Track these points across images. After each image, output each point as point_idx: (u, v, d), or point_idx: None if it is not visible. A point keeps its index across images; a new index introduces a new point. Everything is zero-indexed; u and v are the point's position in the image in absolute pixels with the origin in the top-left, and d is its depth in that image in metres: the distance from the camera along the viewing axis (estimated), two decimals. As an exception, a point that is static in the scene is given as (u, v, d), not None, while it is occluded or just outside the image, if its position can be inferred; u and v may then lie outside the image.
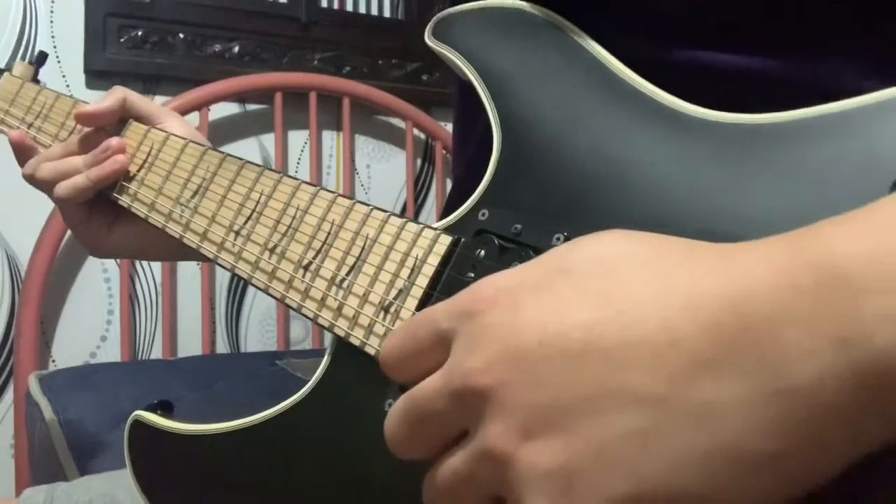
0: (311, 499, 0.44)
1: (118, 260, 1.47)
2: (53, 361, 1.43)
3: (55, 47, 1.44)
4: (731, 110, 0.36)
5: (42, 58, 0.76)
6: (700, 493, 0.25)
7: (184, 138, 0.59)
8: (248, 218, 0.51)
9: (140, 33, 1.49)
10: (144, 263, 1.51)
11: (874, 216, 0.25)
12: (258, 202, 0.51)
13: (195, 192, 0.55)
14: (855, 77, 0.37)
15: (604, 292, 0.28)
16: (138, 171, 0.61)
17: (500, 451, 0.28)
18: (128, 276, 1.48)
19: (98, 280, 1.47)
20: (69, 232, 1.40)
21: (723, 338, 0.25)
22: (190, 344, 1.53)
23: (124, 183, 0.61)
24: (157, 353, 1.51)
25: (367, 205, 0.46)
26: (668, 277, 0.27)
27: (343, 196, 0.48)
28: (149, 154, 0.60)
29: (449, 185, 1.82)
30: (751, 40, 0.39)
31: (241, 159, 0.54)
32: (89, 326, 1.47)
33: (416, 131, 1.75)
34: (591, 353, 0.27)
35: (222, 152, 0.56)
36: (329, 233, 0.47)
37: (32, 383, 1.25)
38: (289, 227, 0.49)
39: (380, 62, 1.75)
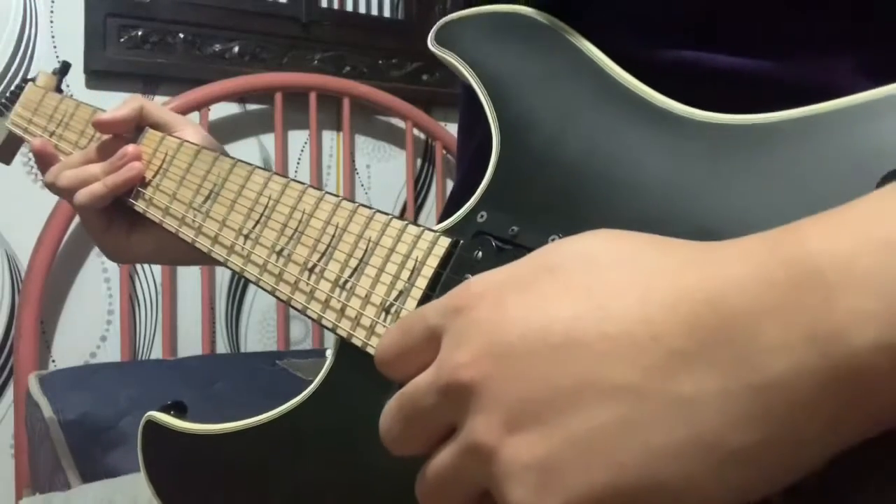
0: (321, 497, 0.44)
1: (118, 260, 1.47)
2: (53, 361, 1.43)
3: (55, 47, 1.44)
4: (724, 111, 0.37)
5: (65, 68, 0.78)
6: (677, 485, 0.25)
7: (197, 145, 0.61)
8: (257, 222, 0.53)
9: (140, 33, 1.49)
10: (144, 263, 1.51)
11: (852, 214, 0.25)
12: (266, 206, 0.53)
13: (207, 197, 0.57)
14: (847, 77, 0.37)
15: (586, 288, 0.29)
16: (154, 176, 0.62)
17: (484, 444, 0.29)
18: (128, 276, 1.48)
19: (98, 280, 1.47)
20: (69, 232, 1.40)
21: (700, 331, 0.26)
22: (190, 344, 1.53)
23: (140, 189, 0.63)
24: (157, 353, 1.51)
25: (371, 208, 0.47)
26: (649, 273, 0.28)
27: (347, 200, 0.49)
28: (164, 160, 0.62)
29: (449, 185, 1.83)
30: (743, 41, 0.40)
31: (250, 165, 0.56)
32: (89, 326, 1.47)
33: (416, 131, 1.75)
34: (571, 346, 0.28)
35: (233, 158, 0.57)
36: (333, 236, 0.48)
37: (32, 383, 1.25)
38: (295, 230, 0.50)
39: (380, 62, 1.75)
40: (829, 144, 0.33)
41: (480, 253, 0.41)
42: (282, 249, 0.50)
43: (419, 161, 1.81)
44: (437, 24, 0.48)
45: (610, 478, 0.26)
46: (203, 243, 0.56)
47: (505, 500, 0.28)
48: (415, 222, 0.45)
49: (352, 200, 0.48)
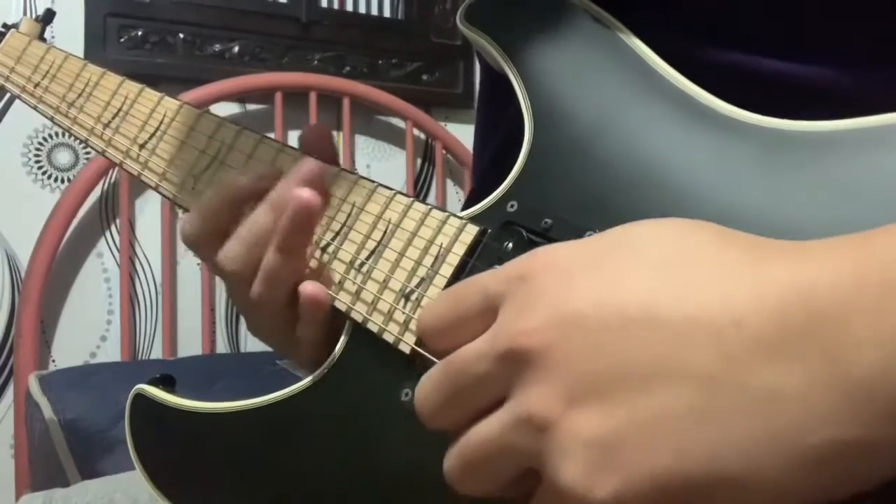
0: (316, 483, 0.43)
1: (118, 260, 1.47)
2: (53, 361, 1.43)
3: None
4: (773, 115, 0.35)
5: (49, 15, 0.72)
6: (744, 481, 0.24)
7: (199, 109, 0.56)
8: None
9: (140, 33, 1.49)
10: (144, 263, 1.51)
11: None
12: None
13: (209, 165, 0.52)
14: None
15: (664, 269, 0.27)
16: (150, 139, 0.56)
17: (539, 415, 0.27)
18: (128, 276, 1.48)
19: (98, 280, 1.47)
20: (69, 232, 1.40)
21: (787, 323, 0.25)
22: (190, 344, 1.53)
23: (133, 149, 0.57)
24: (157, 353, 1.51)
25: (390, 189, 0.45)
26: (733, 262, 0.27)
27: (366, 178, 0.46)
28: (161, 122, 0.56)
29: (449, 185, 1.83)
30: (799, 46, 0.38)
31: (257, 133, 0.52)
32: (89, 326, 1.47)
33: (416, 131, 1.75)
34: (648, 323, 0.26)
35: (238, 125, 0.53)
36: (349, 214, 0.46)
37: (32, 383, 1.25)
38: None
39: (380, 62, 1.75)
40: (884, 158, 0.32)
41: (510, 244, 0.39)
42: None
43: (419, 161, 1.81)
44: (468, 1, 0.45)
45: (673, 464, 0.25)
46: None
47: (556, 478, 0.27)
48: (439, 207, 0.43)
49: (370, 179, 0.46)
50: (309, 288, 0.43)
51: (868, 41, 0.37)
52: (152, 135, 0.56)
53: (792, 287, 0.25)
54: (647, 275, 0.27)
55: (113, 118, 0.58)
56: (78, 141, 0.71)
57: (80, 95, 0.61)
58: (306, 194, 0.43)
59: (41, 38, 0.69)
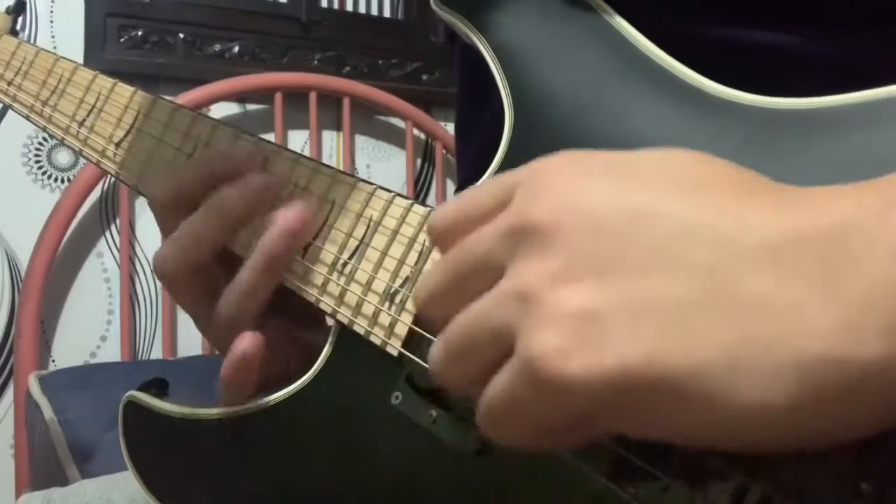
0: (308, 489, 0.43)
1: (118, 260, 1.47)
2: (53, 361, 1.43)
3: (55, 47, 1.43)
4: (765, 93, 0.34)
5: (20, 7, 0.67)
6: (714, 391, 0.23)
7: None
8: None
9: (140, 33, 1.49)
10: (144, 263, 1.51)
11: None
12: None
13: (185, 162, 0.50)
14: None
15: (684, 181, 0.27)
16: (126, 135, 0.53)
17: (528, 287, 0.26)
18: (128, 276, 1.48)
19: (98, 280, 1.47)
20: (69, 232, 1.40)
21: (796, 238, 0.24)
22: (190, 344, 1.53)
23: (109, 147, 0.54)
24: (157, 353, 1.51)
25: (371, 184, 0.44)
26: (749, 181, 0.27)
27: (344, 173, 0.45)
28: (136, 117, 0.53)
29: (449, 185, 1.83)
30: (791, 16, 0.37)
31: (232, 127, 0.49)
32: (89, 326, 1.46)
33: (416, 131, 1.75)
34: (658, 215, 0.26)
35: (212, 118, 0.51)
36: (329, 212, 0.44)
37: (32, 383, 1.25)
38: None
39: (380, 62, 1.75)
40: (883, 135, 0.30)
41: None
42: None
43: (419, 161, 1.81)
44: None
45: (651, 351, 0.24)
46: None
47: (527, 347, 0.25)
48: (421, 201, 0.42)
49: (350, 174, 0.45)
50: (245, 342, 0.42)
51: (863, 5, 0.36)
52: (128, 132, 0.53)
53: (806, 211, 0.25)
54: (666, 184, 0.27)
55: (88, 115, 0.55)
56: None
57: (53, 92, 0.57)
58: (295, 214, 0.42)
59: (13, 32, 0.65)
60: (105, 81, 0.56)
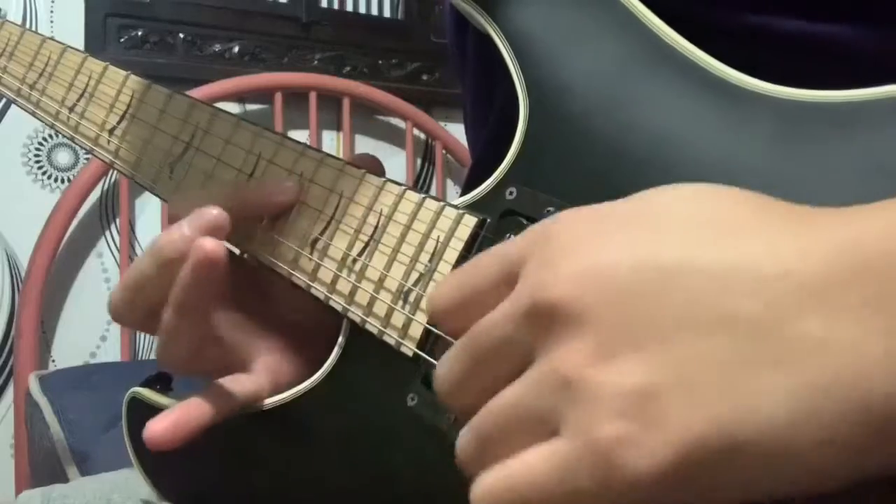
0: (318, 489, 0.42)
1: (118, 260, 1.47)
2: (53, 361, 1.43)
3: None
4: (794, 84, 0.32)
5: None
6: (784, 442, 0.22)
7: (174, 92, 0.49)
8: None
9: (140, 33, 1.49)
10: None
11: None
12: (256, 166, 0.45)
13: (184, 151, 0.48)
14: None
15: (706, 225, 0.25)
16: (119, 122, 0.51)
17: (566, 371, 0.25)
18: (128, 276, 1.47)
19: (98, 280, 1.47)
20: (69, 232, 1.40)
21: (835, 274, 0.23)
22: (190, 344, 1.53)
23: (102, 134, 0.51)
24: (157, 353, 1.51)
25: (380, 177, 0.42)
26: (777, 217, 0.25)
27: (352, 165, 0.43)
28: (130, 103, 0.51)
29: (449, 185, 1.83)
30: (824, 4, 0.35)
31: (233, 115, 0.48)
32: (89, 326, 1.47)
33: (416, 131, 1.75)
34: (685, 271, 0.24)
35: (212, 106, 0.49)
36: (337, 206, 0.42)
37: (32, 383, 1.25)
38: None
39: (380, 62, 1.75)
40: None
41: (513, 236, 0.36)
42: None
43: (419, 161, 1.81)
44: None
45: (718, 414, 0.23)
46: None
47: (593, 439, 0.24)
48: (433, 195, 0.40)
49: (358, 166, 0.43)
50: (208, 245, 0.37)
51: None
52: (121, 118, 0.51)
53: (837, 240, 0.23)
54: (686, 231, 0.25)
55: (78, 100, 0.52)
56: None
57: (41, 75, 0.54)
58: (210, 245, 0.37)
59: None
60: (95, 64, 0.53)
